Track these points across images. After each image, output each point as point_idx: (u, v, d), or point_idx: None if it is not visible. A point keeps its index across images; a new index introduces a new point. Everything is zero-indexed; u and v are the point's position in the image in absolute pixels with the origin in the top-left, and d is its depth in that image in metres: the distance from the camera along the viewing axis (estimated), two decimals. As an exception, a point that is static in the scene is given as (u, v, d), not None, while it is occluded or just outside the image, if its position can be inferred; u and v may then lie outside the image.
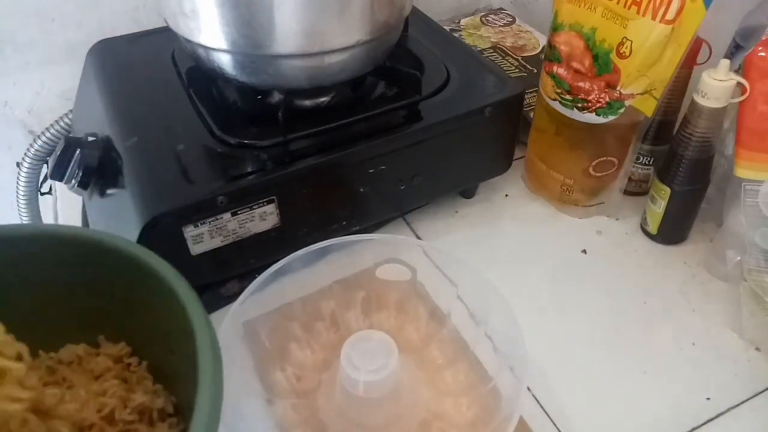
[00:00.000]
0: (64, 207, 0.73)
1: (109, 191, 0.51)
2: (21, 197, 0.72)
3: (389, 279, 0.52)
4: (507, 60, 0.78)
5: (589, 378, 0.49)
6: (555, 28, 0.57)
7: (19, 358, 0.31)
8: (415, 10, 0.67)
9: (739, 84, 0.51)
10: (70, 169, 0.49)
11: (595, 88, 0.55)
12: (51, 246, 0.39)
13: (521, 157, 0.68)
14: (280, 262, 0.47)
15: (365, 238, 0.52)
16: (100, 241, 0.37)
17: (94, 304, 0.39)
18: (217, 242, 0.48)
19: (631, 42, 0.52)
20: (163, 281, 0.35)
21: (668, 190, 0.56)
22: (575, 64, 0.56)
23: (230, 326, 0.44)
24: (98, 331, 0.41)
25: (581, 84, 0.56)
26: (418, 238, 0.61)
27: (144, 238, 0.44)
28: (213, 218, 0.47)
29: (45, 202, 0.75)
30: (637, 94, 0.54)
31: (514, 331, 0.44)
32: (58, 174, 0.49)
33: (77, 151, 0.49)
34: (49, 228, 0.43)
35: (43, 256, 0.38)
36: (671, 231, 0.60)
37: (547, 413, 0.47)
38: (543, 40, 0.81)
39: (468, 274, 0.49)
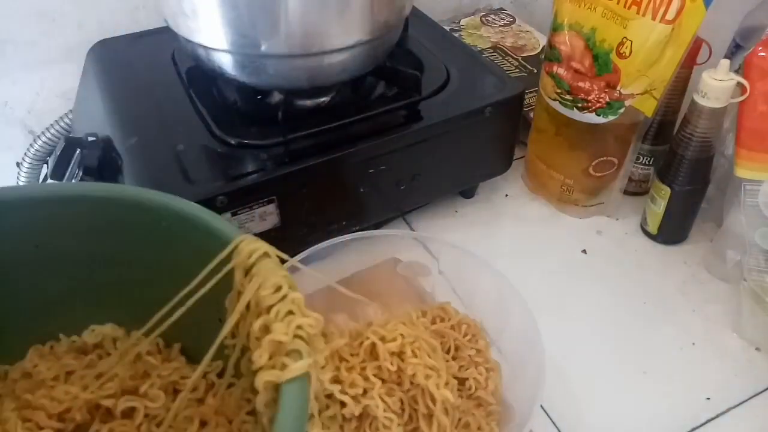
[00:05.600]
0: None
1: (109, 191, 0.51)
2: (21, 197, 0.72)
3: (410, 275, 0.52)
4: (507, 60, 0.78)
5: (589, 378, 0.49)
6: (555, 28, 0.57)
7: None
8: (415, 10, 0.67)
9: (739, 84, 0.51)
10: (70, 169, 0.49)
11: (595, 88, 0.55)
12: (73, 209, 0.35)
13: (521, 157, 0.68)
14: (302, 253, 0.47)
15: (387, 234, 0.52)
16: (135, 198, 0.34)
17: (116, 277, 0.37)
18: (217, 242, 0.48)
19: (631, 42, 0.52)
20: (223, 238, 0.32)
21: (668, 190, 0.56)
22: (575, 64, 0.56)
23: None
24: (118, 307, 0.39)
25: (581, 84, 0.56)
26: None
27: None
28: (213, 218, 0.47)
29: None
30: (637, 94, 0.54)
31: (536, 349, 0.43)
32: (58, 174, 0.49)
33: (77, 151, 0.49)
34: (69, 188, 0.38)
35: (64, 222, 0.35)
36: (671, 231, 0.60)
37: (546, 411, 0.47)
38: (543, 40, 0.81)
39: (491, 282, 0.49)
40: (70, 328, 0.39)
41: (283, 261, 0.31)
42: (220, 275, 0.30)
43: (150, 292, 0.33)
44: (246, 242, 0.31)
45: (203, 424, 0.35)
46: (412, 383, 0.39)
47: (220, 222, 0.33)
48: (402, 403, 0.39)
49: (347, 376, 0.38)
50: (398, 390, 0.39)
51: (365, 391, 0.38)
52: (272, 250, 0.31)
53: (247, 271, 0.30)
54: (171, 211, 0.34)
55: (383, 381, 0.39)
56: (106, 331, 0.39)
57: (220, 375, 0.37)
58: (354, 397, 0.38)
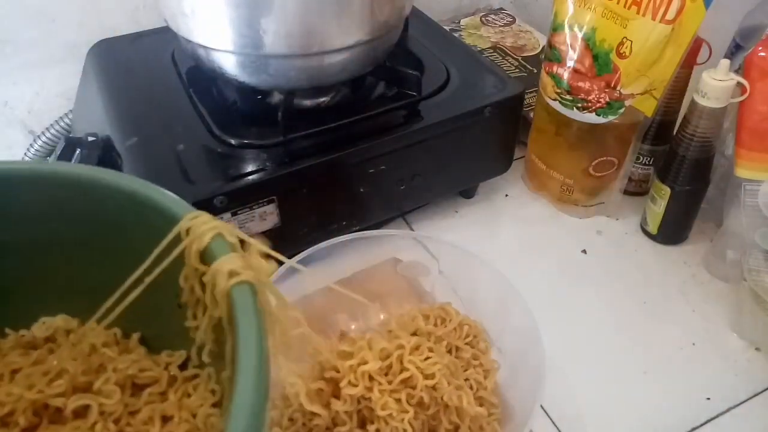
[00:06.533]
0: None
1: (109, 191, 0.51)
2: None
3: (410, 275, 0.52)
4: (507, 60, 0.78)
5: (589, 378, 0.49)
6: (555, 28, 0.57)
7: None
8: (415, 10, 0.67)
9: (739, 84, 0.51)
10: (70, 169, 0.49)
11: (595, 88, 0.55)
12: (12, 189, 0.32)
13: (521, 157, 0.68)
14: (302, 253, 0.47)
15: (387, 234, 0.52)
16: (90, 178, 0.31)
17: (67, 263, 0.34)
18: (217, 242, 0.48)
19: (631, 42, 0.52)
20: (175, 217, 0.29)
21: (668, 190, 0.56)
22: (575, 64, 0.56)
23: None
24: (73, 297, 0.35)
25: (581, 84, 0.56)
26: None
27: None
28: (213, 218, 0.47)
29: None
30: (637, 94, 0.54)
31: (536, 349, 0.43)
32: (58, 174, 0.49)
33: (77, 151, 0.49)
34: (15, 166, 0.34)
35: (5, 203, 0.32)
36: (671, 231, 0.60)
37: (546, 412, 0.47)
38: (543, 40, 0.81)
39: (491, 282, 0.48)
40: (20, 321, 0.35)
41: (243, 242, 0.29)
42: (172, 256, 0.28)
43: (106, 278, 0.30)
44: (200, 220, 0.28)
45: (165, 419, 0.32)
46: (437, 403, 0.39)
47: (169, 199, 0.30)
48: (423, 424, 0.39)
49: (380, 397, 0.38)
50: (422, 412, 0.39)
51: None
52: (229, 230, 0.28)
53: (202, 252, 0.28)
54: (109, 189, 0.31)
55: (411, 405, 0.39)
56: (57, 324, 0.35)
57: (183, 366, 0.34)
58: (383, 418, 0.38)
